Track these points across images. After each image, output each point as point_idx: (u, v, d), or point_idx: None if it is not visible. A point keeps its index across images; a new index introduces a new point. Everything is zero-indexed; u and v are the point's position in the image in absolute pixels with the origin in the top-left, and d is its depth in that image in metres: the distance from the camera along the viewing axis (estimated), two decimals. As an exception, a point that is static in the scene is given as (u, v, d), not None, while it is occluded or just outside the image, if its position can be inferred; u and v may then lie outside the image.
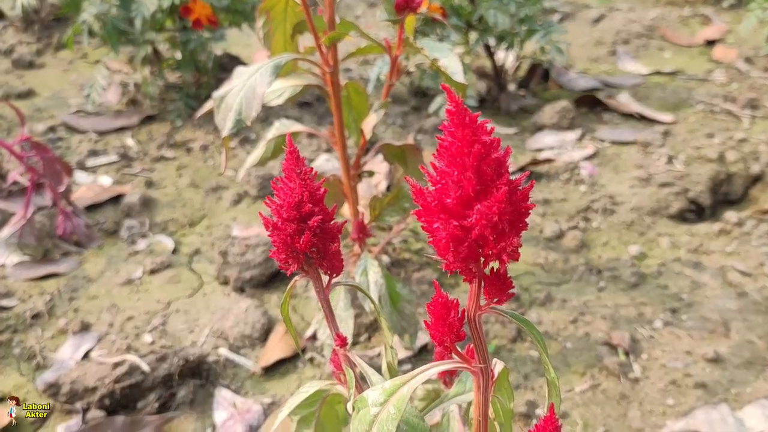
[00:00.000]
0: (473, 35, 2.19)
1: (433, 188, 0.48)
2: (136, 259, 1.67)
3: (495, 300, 0.52)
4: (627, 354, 1.33)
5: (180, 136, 2.21)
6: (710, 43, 2.85)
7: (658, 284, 1.53)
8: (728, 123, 2.21)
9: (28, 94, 2.52)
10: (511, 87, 2.50)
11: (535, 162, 2.02)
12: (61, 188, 1.65)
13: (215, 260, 1.62)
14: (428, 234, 0.48)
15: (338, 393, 0.74)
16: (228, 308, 1.47)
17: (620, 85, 2.53)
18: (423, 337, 1.34)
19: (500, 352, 1.35)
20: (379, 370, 0.69)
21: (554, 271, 1.58)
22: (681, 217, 1.79)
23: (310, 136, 2.13)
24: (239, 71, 1.03)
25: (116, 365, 1.26)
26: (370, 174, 1.37)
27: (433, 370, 0.55)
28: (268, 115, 2.24)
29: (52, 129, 2.26)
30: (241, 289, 1.55)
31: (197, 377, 1.31)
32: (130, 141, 2.20)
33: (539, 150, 2.13)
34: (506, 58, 2.39)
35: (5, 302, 1.52)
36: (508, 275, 0.52)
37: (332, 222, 0.60)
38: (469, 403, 0.78)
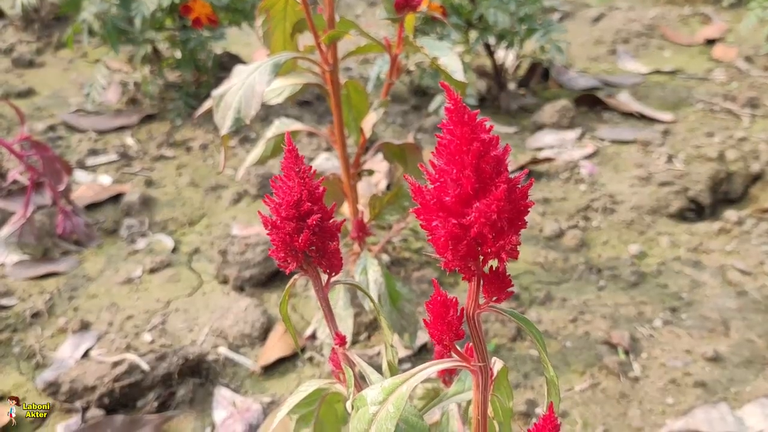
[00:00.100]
0: (473, 34, 2.19)
1: (432, 186, 0.48)
2: (135, 258, 1.67)
3: (494, 298, 0.52)
4: (627, 353, 1.33)
5: (180, 135, 2.21)
6: (710, 42, 2.85)
7: (658, 283, 1.53)
8: (728, 122, 2.21)
9: (28, 93, 2.52)
10: (511, 86, 2.50)
11: (535, 161, 2.01)
12: (61, 187, 1.65)
13: (215, 259, 1.62)
14: (427, 232, 0.48)
15: (337, 392, 0.74)
16: (227, 307, 1.47)
17: (620, 84, 2.53)
18: (423, 336, 1.34)
19: (500, 350, 1.35)
20: (378, 369, 0.69)
21: (554, 270, 1.58)
22: (681, 216, 1.79)
23: (310, 134, 2.13)
24: (238, 70, 1.03)
25: (116, 364, 1.26)
26: (370, 173, 1.37)
27: (432, 368, 0.55)
28: (267, 113, 2.24)
29: (51, 128, 2.26)
30: (240, 288, 1.55)
31: (197, 376, 1.31)
32: (129, 140, 2.20)
33: (539, 149, 2.13)
34: (506, 56, 2.39)
35: (5, 301, 1.52)
36: (507, 274, 0.51)
37: (331, 220, 0.60)
38: (469, 402, 0.78)
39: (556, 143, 2.13)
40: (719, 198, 1.89)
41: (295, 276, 0.64)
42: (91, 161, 2.09)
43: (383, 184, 1.88)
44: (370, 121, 1.17)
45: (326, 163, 2.01)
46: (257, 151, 1.26)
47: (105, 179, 2.00)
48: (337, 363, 0.69)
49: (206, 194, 1.92)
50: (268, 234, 0.59)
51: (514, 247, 0.47)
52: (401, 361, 1.32)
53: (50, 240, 1.69)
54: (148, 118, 2.31)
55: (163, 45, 2.33)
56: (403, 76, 2.46)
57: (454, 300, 0.53)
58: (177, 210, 1.86)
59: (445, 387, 0.85)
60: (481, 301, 0.53)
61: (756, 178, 1.91)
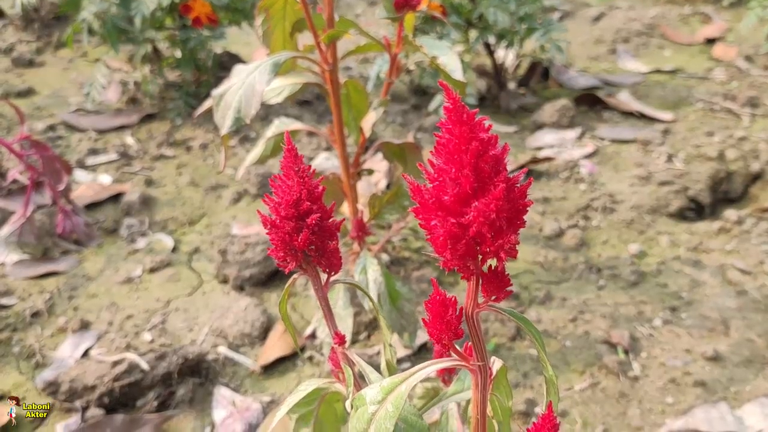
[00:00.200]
0: (473, 33, 2.19)
1: (431, 185, 0.48)
2: (135, 257, 1.67)
3: (493, 298, 0.52)
4: (626, 352, 1.33)
5: (180, 135, 2.21)
6: (710, 41, 2.85)
7: (658, 283, 1.53)
8: (728, 121, 2.21)
9: (27, 93, 2.52)
10: (511, 85, 2.50)
11: (535, 160, 2.01)
12: (61, 187, 1.65)
13: (215, 259, 1.62)
14: (426, 231, 0.48)
15: (337, 391, 0.74)
16: (227, 307, 1.47)
17: (620, 84, 2.52)
18: (422, 336, 1.34)
19: (500, 350, 1.35)
20: (378, 368, 0.69)
21: (554, 270, 1.58)
22: (681, 215, 1.79)
23: (310, 134, 2.13)
24: (238, 69, 1.03)
25: (115, 363, 1.26)
26: (370, 172, 1.37)
27: (431, 368, 0.55)
28: (267, 113, 2.24)
29: (51, 127, 2.26)
30: (240, 288, 1.55)
31: (196, 376, 1.31)
32: (129, 139, 2.20)
33: (539, 148, 2.13)
34: (506, 56, 2.39)
35: (5, 301, 1.52)
36: (507, 273, 0.51)
37: (330, 220, 0.60)
38: (468, 401, 0.78)
39: (556, 142, 2.13)
40: (719, 197, 1.89)
41: (295, 275, 0.64)
42: (91, 161, 2.09)
43: (383, 184, 1.88)
44: (369, 120, 1.17)
45: (326, 162, 2.01)
46: (257, 150, 1.26)
47: (105, 179, 2.00)
48: (337, 362, 0.69)
49: (206, 194, 1.92)
50: (267, 233, 0.59)
51: (513, 247, 0.47)
52: (401, 360, 1.32)
53: (50, 239, 1.69)
54: (148, 118, 2.31)
55: (163, 44, 2.33)
56: (403, 76, 2.46)
57: (453, 299, 0.53)
58: (177, 209, 1.86)
59: (445, 386, 0.84)
60: (480, 300, 0.53)
61: (756, 177, 1.91)
